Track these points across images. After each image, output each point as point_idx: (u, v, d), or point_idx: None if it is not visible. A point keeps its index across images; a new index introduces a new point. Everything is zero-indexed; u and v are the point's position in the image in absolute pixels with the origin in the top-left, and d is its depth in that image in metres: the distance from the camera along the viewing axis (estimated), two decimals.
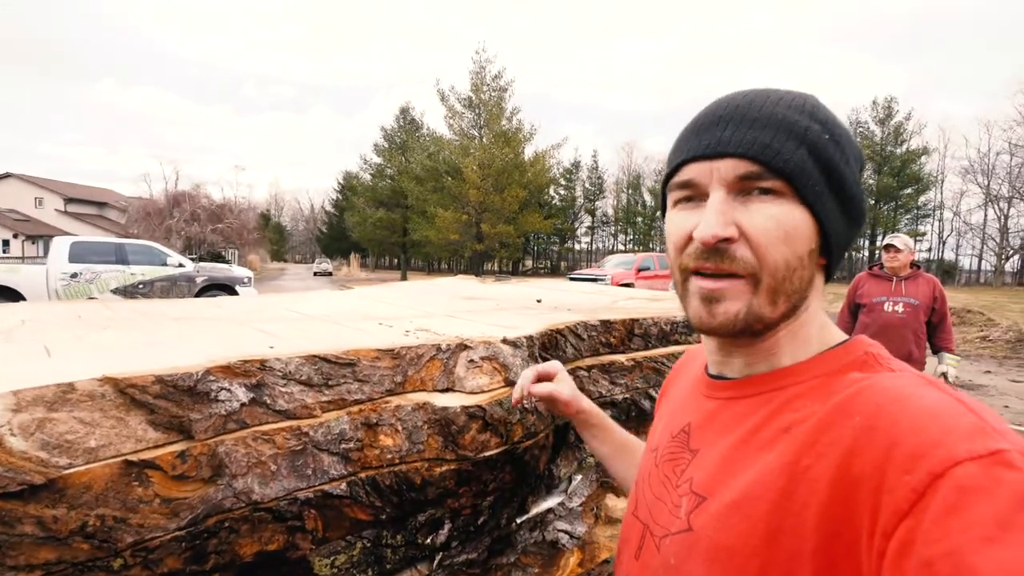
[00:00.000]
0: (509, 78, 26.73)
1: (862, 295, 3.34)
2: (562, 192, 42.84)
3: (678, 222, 0.44)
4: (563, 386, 0.71)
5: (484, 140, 26.29)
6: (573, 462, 1.11)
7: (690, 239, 0.43)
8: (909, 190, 37.03)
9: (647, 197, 43.20)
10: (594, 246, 47.04)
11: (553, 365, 0.75)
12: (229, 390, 0.65)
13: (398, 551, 0.75)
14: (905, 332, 3.21)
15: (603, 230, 47.02)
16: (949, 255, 39.99)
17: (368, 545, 0.73)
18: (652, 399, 1.27)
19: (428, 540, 0.78)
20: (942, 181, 39.40)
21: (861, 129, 38.06)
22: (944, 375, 3.15)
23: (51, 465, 0.52)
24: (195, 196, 27.22)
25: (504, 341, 0.93)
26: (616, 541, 1.27)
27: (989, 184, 37.18)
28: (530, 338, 0.99)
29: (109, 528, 0.54)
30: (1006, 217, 37.04)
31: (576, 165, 43.68)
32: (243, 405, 0.66)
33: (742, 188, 0.41)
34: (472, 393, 0.85)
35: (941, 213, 39.52)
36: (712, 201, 0.41)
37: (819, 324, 0.45)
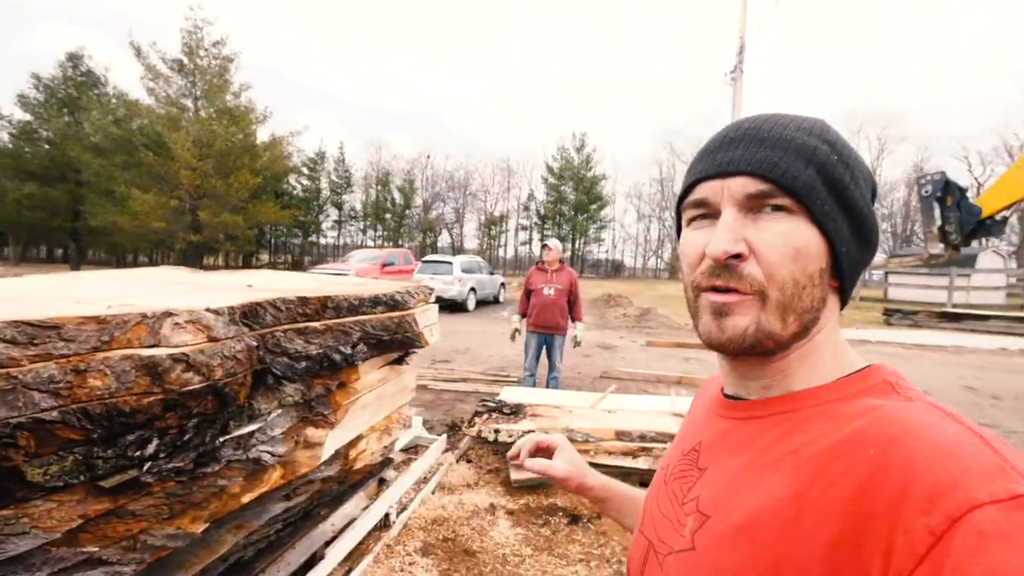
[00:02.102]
0: (236, 48, 23.42)
1: (531, 283, 4.60)
2: (305, 182, 39.86)
3: (692, 240, 0.46)
4: (558, 463, 0.72)
5: (202, 114, 22.36)
6: (273, 400, 1.48)
7: (703, 257, 0.44)
8: (595, 205, 48.24)
9: (396, 195, 44.10)
10: (342, 241, 45.35)
11: (553, 439, 0.76)
12: None
13: (109, 461, 1.00)
14: (555, 308, 4.61)
15: (351, 225, 45.80)
16: (619, 256, 53.89)
17: (80, 457, 0.95)
18: (342, 354, 1.73)
19: (138, 453, 1.04)
20: (615, 200, 52.72)
21: (564, 154, 47.76)
22: (575, 336, 4.70)
23: None
24: None
25: (207, 309, 1.23)
26: (314, 460, 1.69)
27: (640, 206, 51.88)
28: (231, 308, 1.31)
29: None
30: (648, 229, 52.41)
31: (321, 155, 41.25)
32: None
33: (752, 206, 0.43)
34: (176, 347, 1.14)
35: (614, 224, 52.75)
36: (723, 218, 0.43)
37: (834, 349, 0.45)
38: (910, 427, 0.34)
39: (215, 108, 22.43)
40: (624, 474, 3.12)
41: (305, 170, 39.27)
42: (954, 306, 14.39)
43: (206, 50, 22.65)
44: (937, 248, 5.58)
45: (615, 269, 49.58)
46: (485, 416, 3.41)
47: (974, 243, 5.66)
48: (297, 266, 36.31)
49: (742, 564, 0.38)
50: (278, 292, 1.64)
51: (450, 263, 12.88)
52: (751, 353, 0.44)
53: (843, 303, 0.47)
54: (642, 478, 3.10)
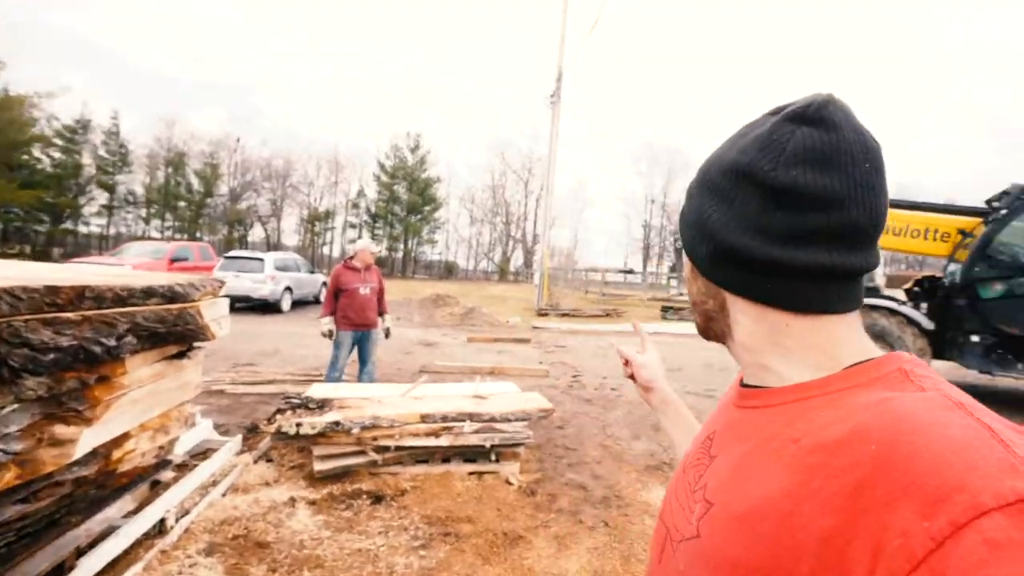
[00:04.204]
0: None
1: (343, 283, 4.63)
2: (58, 156, 31.36)
3: None
4: (642, 371, 0.83)
5: None
6: (9, 396, 1.37)
7: None
8: (429, 207, 48.50)
9: (194, 180, 37.79)
10: (113, 230, 36.80)
11: (630, 355, 0.85)
12: None
13: None
14: (371, 306, 4.75)
15: (127, 212, 37.57)
16: (452, 258, 55.14)
17: None
18: (104, 346, 1.65)
19: None
20: (449, 203, 53.81)
21: (398, 153, 47.05)
22: (387, 327, 4.93)
23: None
24: None
25: None
26: (62, 459, 1.58)
27: (473, 210, 53.90)
28: None
29: None
30: (480, 233, 54.81)
31: (84, 125, 32.91)
32: None
33: None
34: None
35: (448, 226, 53.77)
36: None
37: (809, 342, 0.45)
38: (916, 423, 0.33)
39: None
40: (428, 453, 3.44)
41: (59, 141, 30.94)
42: None
43: None
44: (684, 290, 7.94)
45: (448, 270, 50.58)
46: (288, 412, 3.37)
47: None
48: (42, 258, 28.44)
49: (740, 554, 0.38)
50: (16, 280, 1.51)
51: (261, 260, 11.73)
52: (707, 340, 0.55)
53: (756, 296, 0.46)
54: (444, 454, 3.46)
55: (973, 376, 6.59)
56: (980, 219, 5.75)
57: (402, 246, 47.53)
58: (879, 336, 5.75)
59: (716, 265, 0.47)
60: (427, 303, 15.63)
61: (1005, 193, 5.65)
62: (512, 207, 52.84)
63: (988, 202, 5.92)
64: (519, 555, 2.54)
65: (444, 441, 3.45)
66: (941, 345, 5.73)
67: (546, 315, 15.90)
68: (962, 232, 5.90)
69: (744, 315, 0.47)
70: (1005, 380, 5.93)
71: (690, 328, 13.61)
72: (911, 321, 5.73)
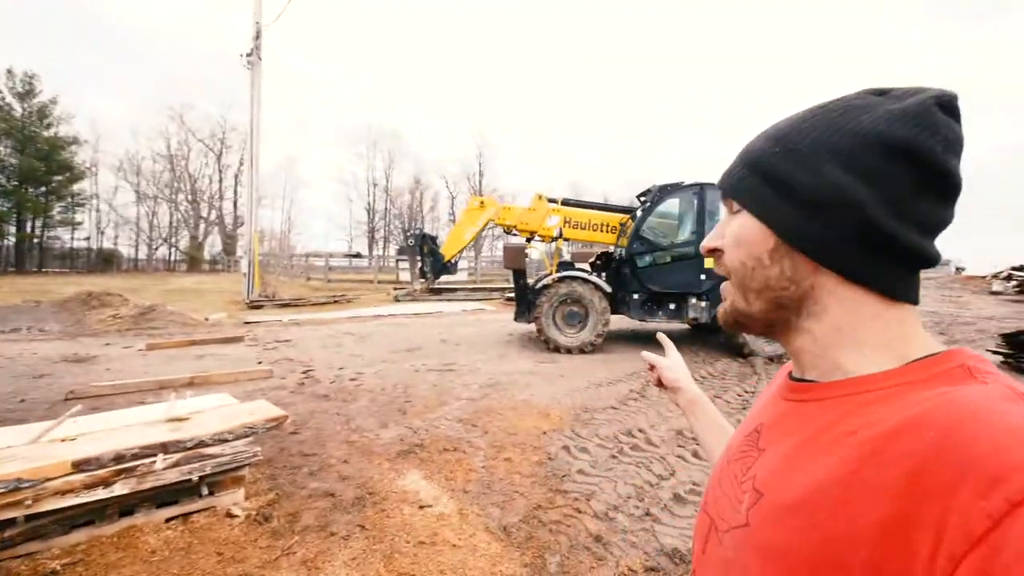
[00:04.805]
0: None
1: None
2: None
3: None
4: (667, 372, 0.83)
5: None
6: None
7: None
8: (61, 177, 35.13)
9: None
10: None
11: (655, 359, 0.87)
12: None
13: None
14: None
15: None
16: (109, 244, 41.63)
17: None
18: None
19: None
20: (96, 174, 40.16)
21: None
22: None
23: None
24: None
25: None
26: None
27: (141, 184, 41.72)
28: None
29: None
30: (154, 213, 43.08)
31: None
32: None
33: (731, 209, 0.50)
34: None
35: (98, 204, 40.22)
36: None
37: (887, 334, 0.43)
38: (976, 410, 0.33)
39: None
40: (100, 507, 2.42)
41: None
42: (437, 283, 19.54)
43: None
44: (420, 283, 8.38)
45: (105, 261, 38.19)
46: None
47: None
48: None
49: (791, 541, 0.38)
50: None
51: None
52: (737, 330, 0.51)
53: (874, 284, 0.43)
54: (124, 504, 2.49)
55: (636, 324, 9.20)
56: (630, 216, 8.17)
57: (14, 229, 33.30)
58: (576, 300, 7.33)
59: (840, 248, 0.43)
60: (73, 305, 11.37)
61: (648, 191, 7.97)
62: (200, 183, 43.33)
63: (638, 196, 8.30)
64: None
65: (122, 488, 2.48)
66: (615, 303, 7.63)
67: (261, 307, 13.89)
68: (622, 224, 8.17)
69: (838, 303, 0.44)
70: (653, 324, 8.17)
71: (422, 308, 14.20)
72: (597, 287, 7.35)
